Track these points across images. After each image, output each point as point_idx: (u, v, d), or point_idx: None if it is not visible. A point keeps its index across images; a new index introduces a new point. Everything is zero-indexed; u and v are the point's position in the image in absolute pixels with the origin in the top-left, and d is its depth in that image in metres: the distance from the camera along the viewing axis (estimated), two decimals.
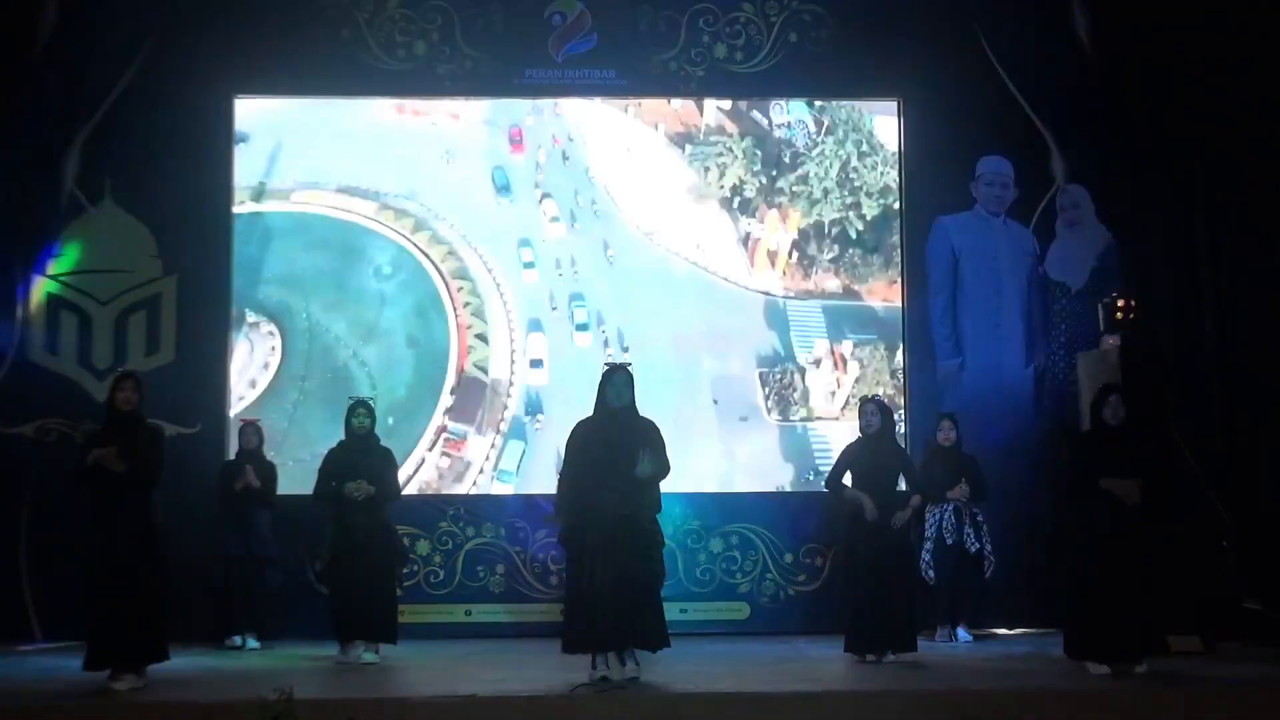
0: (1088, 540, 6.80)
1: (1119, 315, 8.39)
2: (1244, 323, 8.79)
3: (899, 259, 9.46)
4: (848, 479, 7.58)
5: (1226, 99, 8.92)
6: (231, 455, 8.69)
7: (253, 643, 8.28)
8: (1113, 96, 9.37)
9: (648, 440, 6.68)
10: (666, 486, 6.83)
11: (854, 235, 9.48)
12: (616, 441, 6.63)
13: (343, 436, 7.79)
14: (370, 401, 7.89)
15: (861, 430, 7.63)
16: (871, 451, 7.54)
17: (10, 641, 8.29)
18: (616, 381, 6.75)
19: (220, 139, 9.26)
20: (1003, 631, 8.81)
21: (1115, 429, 6.91)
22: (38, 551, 8.61)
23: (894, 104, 9.53)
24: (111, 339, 9.02)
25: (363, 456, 7.65)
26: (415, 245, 9.40)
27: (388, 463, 7.81)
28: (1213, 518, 8.40)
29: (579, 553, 6.62)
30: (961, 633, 8.40)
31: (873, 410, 7.61)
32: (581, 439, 6.79)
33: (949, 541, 8.38)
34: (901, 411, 9.19)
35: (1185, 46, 9.14)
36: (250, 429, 8.61)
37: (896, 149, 9.51)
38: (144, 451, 6.49)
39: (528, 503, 9.13)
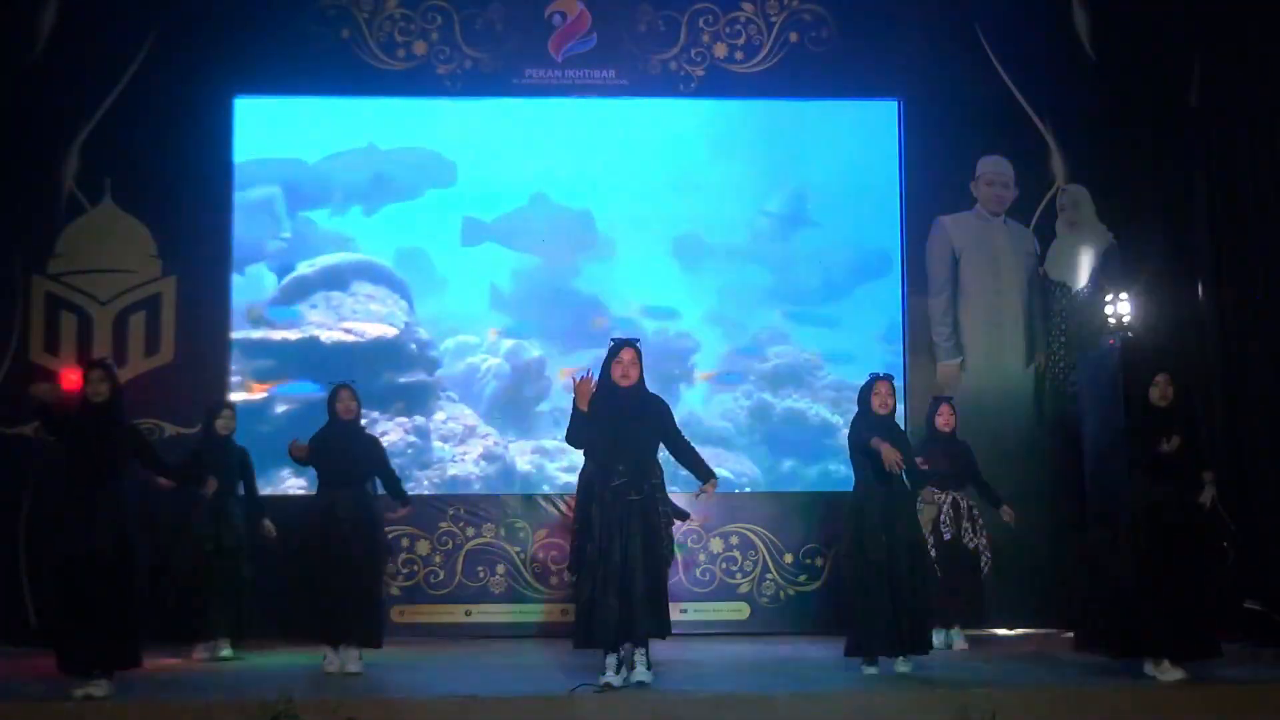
0: (1160, 530, 6.55)
1: (1118, 316, 8.38)
2: (1244, 322, 8.77)
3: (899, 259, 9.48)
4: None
5: (1226, 99, 8.92)
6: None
7: (226, 651, 7.67)
8: (1113, 96, 9.37)
9: (658, 421, 6.30)
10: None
11: None
12: (624, 422, 6.22)
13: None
14: (353, 385, 7.26)
15: (875, 410, 6.79)
16: (885, 436, 6.63)
17: (10, 641, 8.28)
18: (624, 359, 6.33)
19: (220, 139, 9.25)
20: (1003, 631, 8.80)
21: (1163, 410, 6.68)
22: (38, 551, 8.59)
23: (894, 104, 9.54)
24: (111, 339, 9.00)
25: (351, 444, 7.16)
26: None
27: (378, 450, 7.30)
28: (1213, 518, 8.38)
29: (587, 540, 6.23)
30: (956, 638, 8.02)
31: (888, 390, 6.82)
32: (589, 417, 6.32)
33: (947, 536, 7.98)
34: (901, 413, 9.16)
35: (1185, 46, 9.14)
36: (225, 411, 7.96)
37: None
38: (158, 462, 6.64)
39: (528, 502, 9.13)
